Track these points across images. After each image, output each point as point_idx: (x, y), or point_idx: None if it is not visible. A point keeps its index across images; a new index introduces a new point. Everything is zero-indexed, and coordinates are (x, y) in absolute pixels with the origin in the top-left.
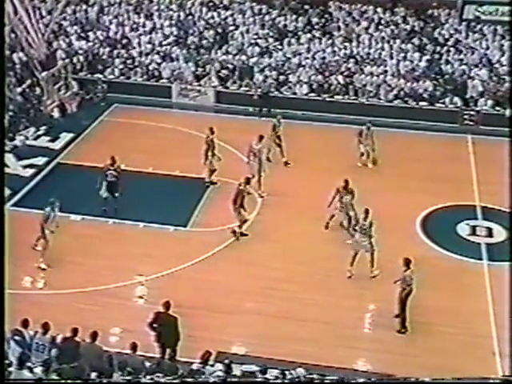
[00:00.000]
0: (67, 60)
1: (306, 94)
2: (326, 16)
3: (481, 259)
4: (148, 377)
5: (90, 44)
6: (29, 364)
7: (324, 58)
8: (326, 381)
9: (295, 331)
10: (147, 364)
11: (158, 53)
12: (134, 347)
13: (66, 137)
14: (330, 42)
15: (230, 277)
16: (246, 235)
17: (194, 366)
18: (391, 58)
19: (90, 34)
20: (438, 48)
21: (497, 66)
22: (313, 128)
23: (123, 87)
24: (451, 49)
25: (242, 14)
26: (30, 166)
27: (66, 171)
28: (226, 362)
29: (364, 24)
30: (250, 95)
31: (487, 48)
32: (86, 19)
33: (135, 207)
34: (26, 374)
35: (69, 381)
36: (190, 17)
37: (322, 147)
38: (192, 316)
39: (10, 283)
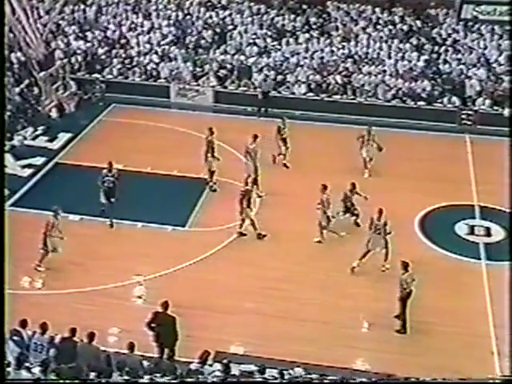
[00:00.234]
0: (65, 60)
1: (304, 94)
2: (324, 16)
3: (479, 259)
4: (146, 377)
5: (88, 44)
6: (27, 364)
7: (322, 58)
8: (326, 381)
9: (294, 331)
10: (145, 364)
11: (156, 53)
12: (131, 347)
13: (64, 137)
14: (328, 41)
15: (229, 277)
16: (244, 235)
17: (193, 366)
18: (389, 57)
19: (88, 33)
20: (436, 48)
21: (495, 65)
22: (311, 128)
23: (121, 87)
24: (449, 48)
25: (241, 14)
26: (28, 165)
27: (64, 171)
28: (225, 361)
29: (362, 24)
30: (253, 95)
31: (485, 48)
32: (84, 19)
33: (133, 207)
34: (24, 374)
35: (67, 381)
36: (188, 16)
37: (320, 147)
38: (190, 316)
39: (9, 283)
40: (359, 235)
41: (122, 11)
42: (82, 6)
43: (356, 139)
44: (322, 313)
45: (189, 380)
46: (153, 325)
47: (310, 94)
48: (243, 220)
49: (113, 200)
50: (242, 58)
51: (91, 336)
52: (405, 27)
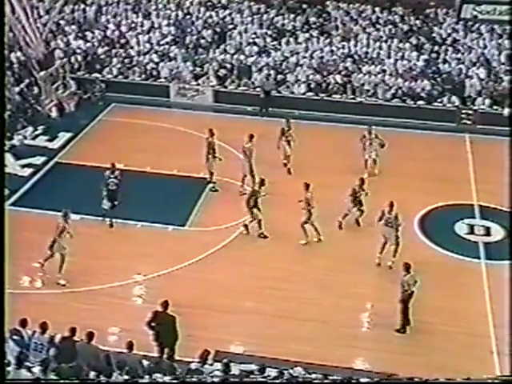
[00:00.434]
0: (65, 59)
1: (304, 94)
2: (324, 15)
3: (479, 258)
4: (146, 376)
5: (88, 43)
6: (27, 363)
7: (322, 58)
8: (326, 381)
9: (294, 330)
10: (145, 363)
11: (156, 52)
12: (130, 346)
13: (64, 136)
14: (327, 41)
15: (229, 276)
16: (247, 233)
17: (193, 366)
18: (389, 57)
19: (88, 33)
20: (436, 47)
21: (494, 65)
22: (310, 127)
23: (121, 87)
24: (449, 48)
25: (240, 14)
26: (28, 165)
27: (65, 171)
28: (225, 361)
29: (362, 23)
30: (254, 95)
31: (485, 47)
32: (84, 18)
33: (134, 207)
34: (25, 373)
35: (67, 380)
36: (188, 16)
37: (320, 147)
38: (190, 315)
39: (9, 283)
40: (359, 235)
41: (122, 11)
42: (82, 6)
43: (359, 140)
44: (321, 312)
45: (188, 380)
46: (153, 324)
47: (310, 93)
48: (252, 221)
49: (116, 202)
50: (242, 57)
51: (90, 336)
52: (405, 27)
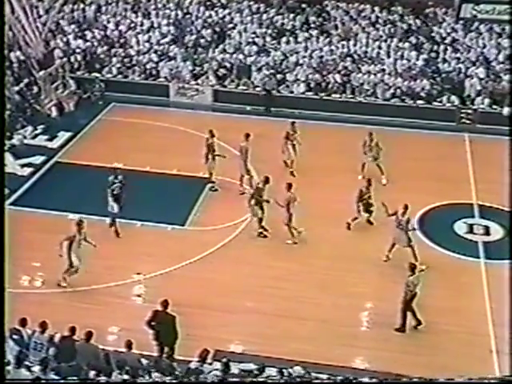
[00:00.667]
0: (65, 59)
1: (304, 93)
2: (324, 15)
3: (478, 257)
4: (146, 376)
5: (88, 43)
6: (27, 363)
7: (321, 57)
8: (327, 381)
9: (293, 330)
10: (145, 362)
11: (155, 52)
12: (129, 345)
13: (63, 136)
14: (327, 40)
15: (228, 275)
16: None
17: (192, 365)
18: (388, 56)
19: (88, 32)
20: (435, 47)
21: (494, 64)
22: (310, 126)
23: (121, 86)
24: (448, 47)
25: (240, 13)
26: (28, 164)
27: (64, 170)
28: (224, 360)
29: (361, 23)
30: (255, 94)
31: (484, 46)
32: (84, 18)
33: (133, 206)
34: (24, 372)
35: (67, 380)
36: (187, 16)
37: (320, 146)
38: (190, 315)
39: (8, 282)
40: (359, 234)
41: (122, 10)
42: (82, 5)
43: (362, 146)
44: (321, 311)
45: (186, 381)
46: (153, 323)
47: (309, 92)
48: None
49: (121, 205)
50: (242, 56)
51: (89, 335)
52: (404, 26)
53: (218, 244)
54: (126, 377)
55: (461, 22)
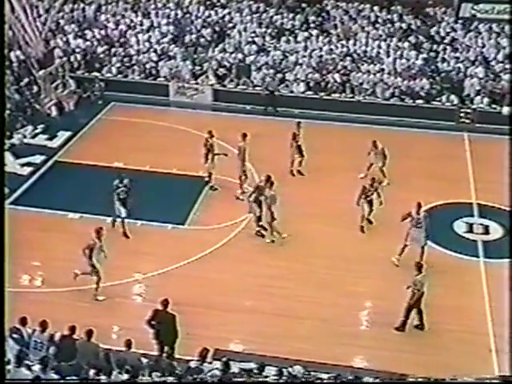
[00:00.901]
0: (64, 58)
1: (303, 92)
2: (323, 14)
3: (477, 256)
4: (146, 375)
5: (88, 42)
6: (27, 362)
7: (321, 56)
8: (328, 381)
9: (293, 329)
10: (144, 361)
11: (155, 51)
12: (128, 344)
13: (63, 135)
14: (327, 40)
15: (228, 275)
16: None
17: (192, 364)
18: (388, 56)
19: (88, 32)
20: (435, 46)
21: (493, 63)
22: (309, 126)
23: (121, 85)
24: (447, 47)
25: (240, 13)
26: (28, 164)
27: (64, 169)
28: (224, 359)
29: (361, 22)
30: (256, 93)
31: (483, 46)
32: (84, 18)
33: (133, 205)
34: (24, 371)
35: (67, 379)
36: (187, 15)
37: (319, 145)
38: (190, 314)
39: (8, 281)
40: (359, 234)
41: (122, 10)
42: (82, 5)
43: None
44: (321, 310)
45: (185, 381)
46: (153, 322)
47: (309, 92)
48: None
49: (129, 210)
50: (241, 56)
51: (89, 333)
52: (403, 26)
53: (217, 243)
54: (125, 376)
55: (460, 21)
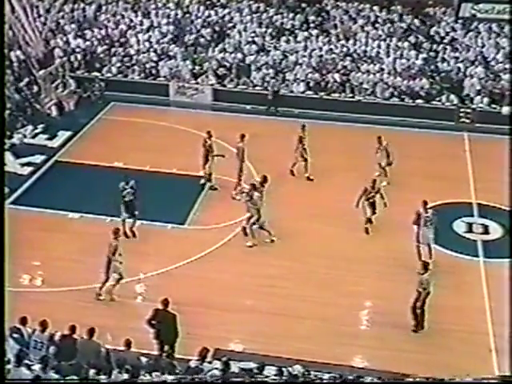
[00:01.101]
0: (65, 58)
1: (303, 92)
2: (323, 14)
3: (477, 256)
4: (147, 375)
5: (88, 42)
6: (27, 361)
7: (321, 56)
8: (330, 381)
9: (293, 328)
10: (144, 360)
11: (155, 51)
12: (128, 344)
13: (63, 135)
14: (326, 39)
15: (228, 274)
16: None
17: (192, 363)
18: (388, 56)
19: (88, 32)
20: (435, 46)
21: (492, 63)
22: (309, 125)
23: (121, 85)
24: (447, 47)
25: (240, 12)
26: (28, 164)
27: (64, 169)
28: (224, 359)
29: (360, 22)
30: (257, 93)
31: (483, 46)
32: (84, 17)
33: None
34: (24, 371)
35: (68, 380)
36: (187, 15)
37: (319, 145)
38: (189, 313)
39: (9, 281)
40: (359, 234)
41: (122, 10)
42: (82, 5)
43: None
44: (321, 310)
45: (184, 381)
46: (153, 322)
47: (309, 92)
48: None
49: (136, 213)
50: (241, 56)
51: (91, 332)
52: (403, 25)
53: (217, 243)
54: (125, 376)
55: (460, 21)
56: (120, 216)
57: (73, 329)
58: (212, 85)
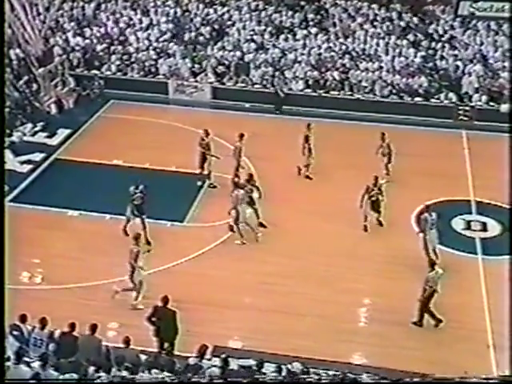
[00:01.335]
0: (64, 56)
1: (302, 90)
2: (322, 12)
3: (475, 253)
4: (146, 372)
5: (87, 40)
6: (26, 359)
7: (320, 54)
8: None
9: (292, 325)
10: (144, 358)
11: (154, 49)
12: (127, 342)
13: (63, 133)
14: (325, 37)
15: (227, 272)
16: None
17: (191, 361)
18: (386, 53)
19: (87, 30)
20: (433, 44)
21: (491, 61)
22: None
23: (120, 83)
24: (446, 45)
25: (239, 11)
26: (27, 161)
27: (63, 167)
28: (223, 356)
29: (359, 20)
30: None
31: (481, 44)
32: (83, 16)
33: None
34: (24, 368)
35: (68, 380)
36: (186, 13)
37: (318, 143)
38: (189, 311)
39: (8, 278)
40: (358, 231)
41: (121, 8)
42: (81, 3)
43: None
44: (320, 307)
45: (186, 376)
46: (153, 319)
47: (308, 89)
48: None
49: (144, 216)
50: (240, 54)
51: (93, 328)
52: (402, 23)
53: (217, 240)
54: (124, 373)
55: (459, 19)
56: (129, 218)
57: (72, 326)
58: (211, 83)
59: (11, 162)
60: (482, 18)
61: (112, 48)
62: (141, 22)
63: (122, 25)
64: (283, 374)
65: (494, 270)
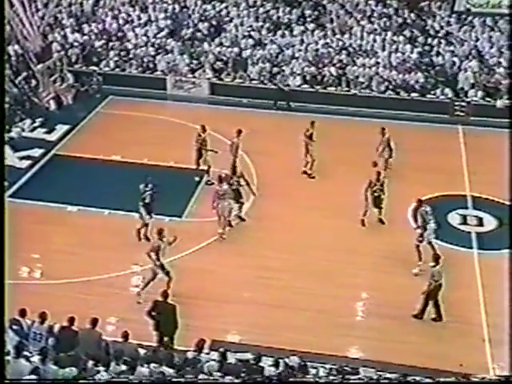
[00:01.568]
0: (62, 52)
1: (299, 86)
2: (319, 8)
3: (471, 248)
4: (144, 366)
5: (85, 37)
6: (26, 353)
7: (317, 50)
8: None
9: (290, 320)
10: (142, 352)
11: (152, 45)
12: (125, 336)
13: (61, 128)
14: (322, 33)
15: (225, 266)
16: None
17: (189, 355)
18: (383, 49)
19: (85, 26)
20: (429, 40)
21: (487, 57)
22: (306, 119)
23: (118, 79)
24: (442, 41)
25: (236, 7)
26: (26, 157)
27: (62, 163)
28: (221, 350)
29: (356, 16)
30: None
31: (477, 40)
32: (82, 12)
33: (130, 198)
34: (23, 362)
35: (66, 370)
36: (184, 9)
37: (316, 139)
38: (187, 305)
39: (8, 273)
40: (357, 226)
41: (119, 4)
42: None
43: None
44: (318, 302)
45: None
46: (153, 313)
47: (305, 85)
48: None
49: (153, 214)
50: (238, 50)
51: (94, 322)
52: (399, 19)
53: (215, 235)
54: (123, 367)
55: (454, 15)
56: (146, 223)
57: (71, 320)
58: (209, 79)
59: (10, 157)
60: (478, 14)
61: (110, 44)
62: (139, 18)
63: (120, 21)
64: (281, 367)
65: (490, 265)
